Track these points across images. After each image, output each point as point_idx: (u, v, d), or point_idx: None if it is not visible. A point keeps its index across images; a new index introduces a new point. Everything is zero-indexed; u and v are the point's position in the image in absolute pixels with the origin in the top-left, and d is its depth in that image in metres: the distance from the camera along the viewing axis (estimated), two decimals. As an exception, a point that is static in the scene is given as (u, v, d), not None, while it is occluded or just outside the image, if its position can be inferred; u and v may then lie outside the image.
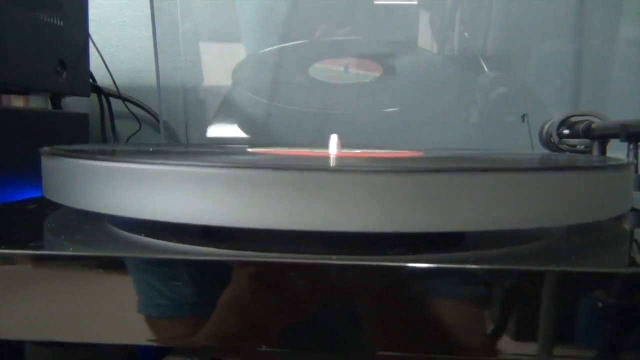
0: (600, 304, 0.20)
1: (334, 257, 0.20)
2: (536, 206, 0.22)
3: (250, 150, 0.36)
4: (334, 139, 0.34)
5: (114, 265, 0.21)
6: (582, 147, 0.43)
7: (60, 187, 0.25)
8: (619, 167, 0.26)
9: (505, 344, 0.20)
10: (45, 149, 0.27)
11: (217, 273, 0.20)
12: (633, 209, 0.28)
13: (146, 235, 0.23)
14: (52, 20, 0.45)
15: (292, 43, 0.64)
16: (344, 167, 0.21)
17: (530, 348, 0.20)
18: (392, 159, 0.31)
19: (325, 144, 0.38)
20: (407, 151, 0.37)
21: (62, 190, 0.25)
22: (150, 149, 0.35)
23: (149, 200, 0.22)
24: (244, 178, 0.21)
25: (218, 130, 0.66)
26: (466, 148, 0.53)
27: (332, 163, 0.27)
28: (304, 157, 0.31)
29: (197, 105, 0.66)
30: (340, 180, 0.21)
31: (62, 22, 0.46)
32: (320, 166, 0.21)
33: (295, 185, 0.20)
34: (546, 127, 0.46)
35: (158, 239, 0.23)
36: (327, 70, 0.65)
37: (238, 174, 0.21)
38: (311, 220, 0.21)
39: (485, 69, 0.63)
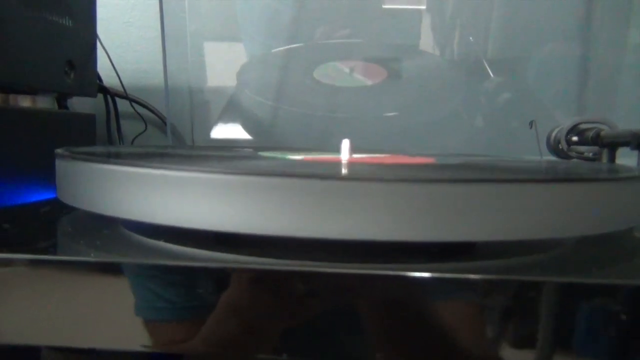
0: (614, 317, 0.20)
1: (336, 265, 0.20)
2: (550, 217, 0.22)
3: (262, 154, 0.36)
4: (345, 144, 0.34)
5: (118, 270, 0.21)
6: (591, 154, 0.43)
7: (76, 190, 0.25)
8: (634, 178, 0.26)
9: (513, 356, 0.20)
10: (60, 150, 0.27)
11: (218, 279, 0.20)
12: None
13: (159, 240, 0.23)
14: (60, 21, 0.45)
15: (297, 45, 0.64)
16: (355, 176, 0.21)
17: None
18: (406, 166, 0.31)
19: (331, 147, 0.38)
20: (419, 157, 0.37)
21: (78, 194, 0.25)
22: (165, 151, 0.35)
23: (166, 206, 0.22)
24: (261, 185, 0.21)
25: (223, 132, 0.66)
26: (476, 154, 0.53)
27: (344, 170, 0.27)
28: (314, 163, 0.31)
29: (203, 107, 0.66)
30: (351, 189, 0.20)
31: (70, 23, 0.46)
32: (331, 175, 0.21)
33: (305, 193, 0.20)
34: (554, 133, 0.46)
35: (173, 243, 0.23)
36: (332, 73, 0.65)
37: (255, 181, 0.21)
38: (318, 228, 0.20)
39: (490, 73, 0.63)
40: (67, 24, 0.46)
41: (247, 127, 0.67)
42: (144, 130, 0.67)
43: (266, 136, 0.65)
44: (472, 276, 0.20)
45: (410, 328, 0.20)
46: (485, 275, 0.20)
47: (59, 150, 0.27)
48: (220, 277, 0.20)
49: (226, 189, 0.21)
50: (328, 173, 0.21)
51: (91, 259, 0.21)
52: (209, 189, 0.21)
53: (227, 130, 0.66)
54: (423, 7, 0.62)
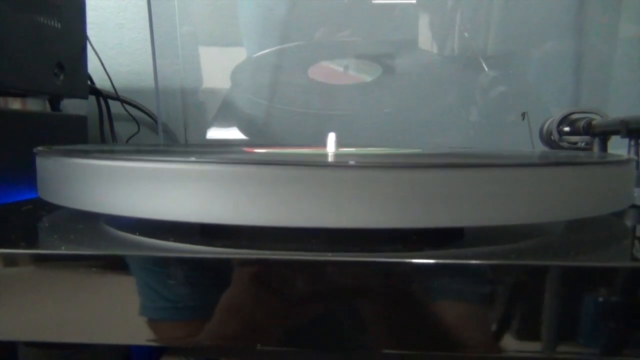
0: (601, 299, 0.20)
1: (333, 254, 0.20)
2: (536, 201, 0.22)
3: (246, 149, 0.36)
4: (331, 137, 0.34)
5: (110, 264, 0.21)
6: (583, 144, 0.43)
7: (55, 187, 0.25)
8: (620, 162, 0.26)
9: (508, 340, 0.20)
10: (40, 148, 0.27)
11: (216, 271, 0.20)
12: (633, 206, 0.28)
13: (142, 235, 0.23)
14: (50, 23, 0.45)
15: (291, 44, 0.64)
16: (340, 163, 0.21)
17: (533, 345, 0.20)
18: (389, 156, 0.31)
19: (324, 144, 0.37)
20: (405, 149, 0.37)
21: (57, 190, 0.25)
22: (147, 148, 0.35)
23: (146, 199, 0.22)
24: (240, 175, 0.21)
25: (217, 133, 0.66)
26: (466, 147, 0.53)
27: (329, 160, 0.27)
28: (300, 154, 0.31)
29: (196, 108, 0.65)
30: (337, 176, 0.20)
31: (60, 25, 0.46)
32: (317, 162, 0.21)
33: (292, 181, 0.20)
34: (546, 124, 0.45)
35: (155, 238, 0.22)
36: (326, 71, 0.65)
37: (231, 171, 0.21)
38: (309, 217, 0.20)
39: (486, 68, 0.63)
40: (56, 26, 0.46)
41: (241, 127, 0.66)
42: (137, 132, 0.67)
43: (261, 136, 0.65)
44: (469, 262, 0.20)
45: (407, 315, 0.20)
46: (480, 260, 0.20)
47: (38, 148, 0.27)
48: (218, 270, 0.20)
49: (209, 180, 0.21)
50: (316, 161, 0.21)
51: (83, 252, 0.21)
52: (183, 180, 0.21)
53: (222, 131, 0.66)
54: (413, 1, 0.61)
